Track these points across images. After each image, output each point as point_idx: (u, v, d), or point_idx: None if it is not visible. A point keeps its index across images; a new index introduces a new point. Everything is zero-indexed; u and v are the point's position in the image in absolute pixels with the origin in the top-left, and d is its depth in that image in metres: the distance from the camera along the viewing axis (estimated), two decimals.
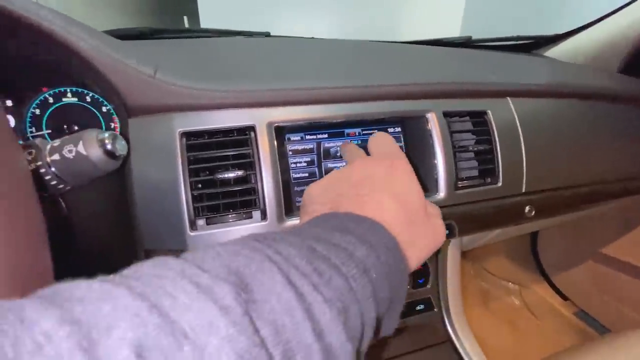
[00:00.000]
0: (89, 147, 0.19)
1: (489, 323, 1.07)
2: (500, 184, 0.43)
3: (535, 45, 0.94)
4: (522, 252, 1.18)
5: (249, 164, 0.35)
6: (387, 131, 0.44)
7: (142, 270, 0.13)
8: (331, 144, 0.41)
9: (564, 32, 0.89)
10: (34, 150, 0.19)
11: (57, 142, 0.20)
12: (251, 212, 0.35)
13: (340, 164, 0.41)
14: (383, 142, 0.30)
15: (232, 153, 0.34)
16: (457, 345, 0.43)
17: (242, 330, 0.11)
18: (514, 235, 0.63)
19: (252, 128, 0.35)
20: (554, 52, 0.91)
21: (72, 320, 0.10)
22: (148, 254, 0.33)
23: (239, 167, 0.35)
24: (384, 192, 0.24)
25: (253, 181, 0.35)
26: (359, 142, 0.42)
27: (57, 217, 0.29)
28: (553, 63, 0.78)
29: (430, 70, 0.52)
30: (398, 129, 0.44)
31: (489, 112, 0.44)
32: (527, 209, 0.45)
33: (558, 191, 0.48)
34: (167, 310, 0.11)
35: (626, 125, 0.58)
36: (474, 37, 0.90)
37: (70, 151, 0.19)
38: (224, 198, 0.34)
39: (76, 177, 0.21)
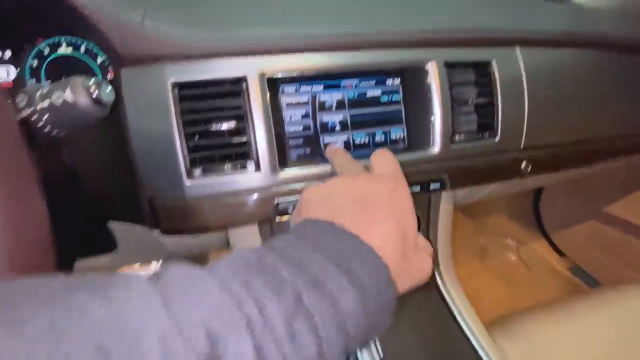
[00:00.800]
0: (75, 94, 0.20)
1: (484, 276, 1.12)
2: (498, 138, 0.43)
3: None
4: (523, 209, 1.20)
5: (243, 116, 0.35)
6: (385, 83, 0.43)
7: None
8: (327, 96, 0.41)
9: None
10: (27, 97, 0.20)
11: (46, 89, 0.21)
12: (246, 162, 0.36)
13: (336, 117, 0.41)
14: (387, 160, 0.29)
15: (225, 104, 0.35)
16: (443, 291, 0.46)
17: None
18: (512, 192, 0.64)
19: (244, 79, 0.34)
20: None
21: None
22: (150, 200, 0.35)
23: (232, 118, 0.35)
24: (388, 218, 0.23)
25: (247, 133, 0.35)
26: (356, 94, 0.41)
27: (61, 166, 0.31)
28: (576, 7, 0.71)
29: (437, 13, 0.48)
30: (397, 81, 0.43)
31: (494, 62, 0.42)
32: (523, 164, 0.45)
33: (559, 147, 0.47)
34: None
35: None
36: None
37: (58, 97, 0.20)
38: (218, 149, 0.35)
39: (65, 123, 0.21)
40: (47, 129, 0.20)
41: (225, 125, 0.35)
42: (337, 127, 0.41)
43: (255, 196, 0.36)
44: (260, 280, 0.16)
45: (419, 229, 0.47)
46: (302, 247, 0.19)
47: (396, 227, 0.23)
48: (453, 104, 0.40)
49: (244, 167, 0.36)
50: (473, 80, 0.42)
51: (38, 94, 0.20)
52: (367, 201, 0.24)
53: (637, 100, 0.53)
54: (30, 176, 0.15)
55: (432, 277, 0.48)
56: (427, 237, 0.48)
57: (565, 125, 0.48)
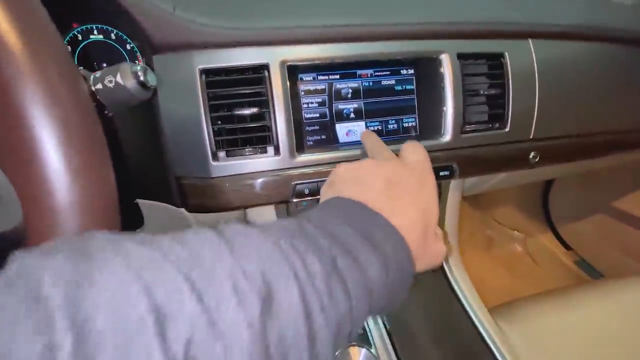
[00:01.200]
0: (125, 78, 0.23)
1: (490, 266, 1.14)
2: (507, 129, 0.44)
3: None
4: (531, 202, 1.20)
5: (264, 102, 0.37)
6: (400, 73, 0.44)
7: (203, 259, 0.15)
8: (343, 85, 0.42)
9: None
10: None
11: (98, 74, 0.23)
12: (266, 147, 0.38)
13: (351, 105, 0.43)
14: (418, 151, 0.31)
15: (248, 91, 0.37)
16: (447, 273, 0.49)
17: (255, 339, 0.14)
18: (519, 183, 0.65)
19: (266, 67, 0.37)
20: None
21: None
22: (178, 179, 0.38)
23: (254, 104, 0.37)
24: (413, 204, 0.25)
25: (267, 119, 0.38)
26: (371, 83, 0.43)
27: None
28: (592, 1, 0.71)
29: (451, 5, 0.49)
30: (411, 71, 0.44)
31: (506, 54, 0.43)
32: (532, 155, 0.46)
33: (567, 139, 0.48)
34: (212, 311, 0.13)
35: None
36: None
37: (110, 81, 0.22)
38: (241, 133, 0.37)
39: (115, 104, 0.24)
40: (99, 109, 0.23)
41: (247, 111, 0.37)
42: (352, 115, 0.43)
43: (274, 178, 0.39)
44: (303, 243, 0.19)
45: None
46: (334, 220, 0.22)
47: (420, 213, 0.25)
48: (465, 95, 0.42)
49: (264, 151, 0.38)
50: (485, 72, 0.43)
51: (92, 77, 0.23)
52: (396, 185, 0.26)
53: None
54: (105, 147, 0.17)
55: None
56: None
57: (575, 118, 0.49)
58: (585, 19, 0.53)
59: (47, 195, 0.14)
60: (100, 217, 0.16)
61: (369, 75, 0.43)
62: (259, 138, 0.38)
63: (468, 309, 0.47)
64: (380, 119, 0.44)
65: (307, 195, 0.40)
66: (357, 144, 0.42)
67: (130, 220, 0.47)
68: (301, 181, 0.39)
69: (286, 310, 0.15)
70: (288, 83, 0.38)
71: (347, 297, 0.18)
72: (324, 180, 0.40)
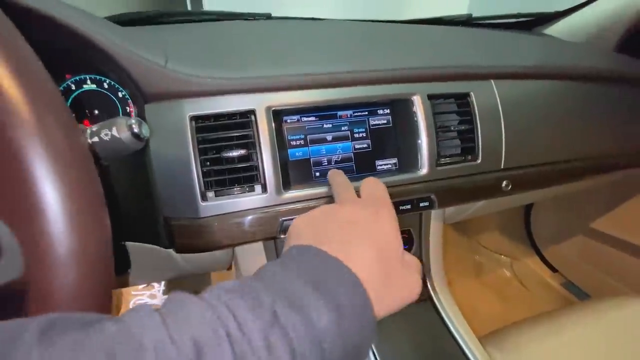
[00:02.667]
0: (120, 131, 0.24)
1: (480, 292, 1.14)
2: (479, 160, 0.48)
3: (536, 22, 0.94)
4: (515, 226, 1.24)
5: (251, 144, 0.40)
6: (377, 113, 0.48)
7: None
8: (325, 126, 0.45)
9: (564, 9, 0.89)
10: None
11: (95, 127, 0.25)
12: (253, 186, 0.40)
13: (334, 144, 0.45)
14: (374, 188, 0.33)
15: (236, 134, 0.39)
16: (436, 302, 0.50)
17: None
18: (498, 209, 0.68)
19: (252, 112, 0.39)
20: (554, 29, 0.91)
21: None
22: (167, 221, 0.39)
23: (242, 146, 0.39)
24: (370, 244, 0.25)
25: (255, 159, 0.40)
26: (348, 124, 0.46)
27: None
28: (548, 42, 0.79)
29: (423, 52, 0.55)
30: (387, 110, 0.48)
31: (472, 94, 0.47)
32: (504, 183, 0.49)
33: (535, 167, 0.52)
34: None
35: (611, 106, 0.60)
36: (481, 12, 0.91)
37: (106, 134, 0.24)
38: (229, 174, 0.39)
39: (111, 155, 0.26)
40: (95, 160, 0.25)
41: (235, 153, 0.39)
42: (335, 153, 0.46)
43: (261, 215, 0.40)
44: (241, 301, 0.19)
45: (411, 245, 0.51)
46: (286, 274, 0.22)
47: (375, 249, 0.25)
48: (437, 131, 0.45)
49: (252, 189, 0.40)
50: (455, 110, 0.47)
51: (89, 131, 0.25)
52: (350, 226, 0.26)
53: (604, 124, 0.59)
54: (102, 198, 0.19)
55: (426, 289, 0.51)
56: (420, 252, 0.51)
57: (541, 148, 0.53)
58: (541, 60, 0.59)
59: (48, 246, 0.15)
60: (97, 265, 0.17)
61: (348, 116, 0.47)
62: (246, 177, 0.40)
63: (459, 340, 0.48)
64: (362, 156, 0.46)
65: None
66: None
67: (117, 264, 0.46)
68: (288, 217, 0.40)
69: None
70: (274, 125, 0.40)
71: (290, 351, 0.18)
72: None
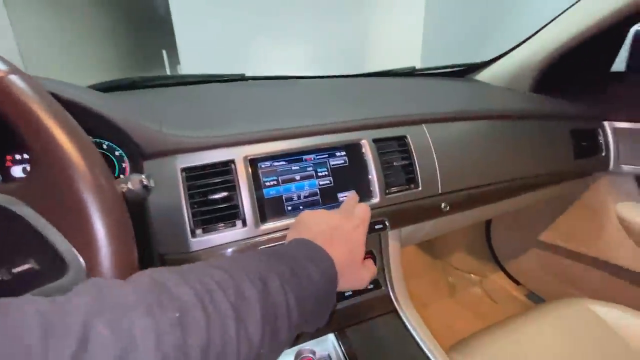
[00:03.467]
0: (134, 184, 0.33)
1: (455, 311, 1.21)
2: (420, 188, 0.59)
3: (467, 70, 1.14)
4: (480, 246, 1.35)
5: (232, 187, 0.49)
6: (335, 155, 0.59)
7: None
8: (293, 168, 0.56)
9: (488, 59, 1.09)
10: None
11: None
12: (235, 221, 0.48)
13: (301, 182, 0.55)
14: (364, 211, 0.44)
15: (219, 180, 0.48)
16: (401, 314, 0.57)
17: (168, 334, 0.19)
18: (452, 229, 0.79)
19: (232, 161, 0.49)
20: (483, 76, 1.10)
21: None
22: (161, 257, 0.46)
23: (224, 190, 0.48)
24: (345, 244, 0.38)
25: (235, 199, 0.48)
26: (312, 165, 0.57)
27: None
28: (474, 87, 0.97)
29: (370, 104, 0.68)
30: (343, 153, 0.59)
31: (408, 136, 0.60)
32: (443, 205, 0.61)
33: (468, 190, 0.64)
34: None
35: (524, 136, 0.75)
36: (432, 60, 1.10)
37: (123, 188, 0.32)
38: (215, 213, 0.48)
39: (127, 203, 0.34)
40: None
41: (219, 195, 0.48)
42: (303, 189, 0.55)
43: (243, 246, 0.48)
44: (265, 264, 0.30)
45: (375, 263, 0.60)
46: (290, 250, 0.34)
47: (347, 249, 0.38)
48: (383, 167, 0.56)
49: (234, 225, 0.48)
50: (396, 149, 0.59)
51: None
52: (336, 231, 0.39)
53: (521, 152, 0.73)
54: (131, 227, 0.27)
55: (391, 304, 0.59)
56: (382, 269, 0.60)
57: (470, 174, 0.65)
58: (466, 104, 0.74)
59: (100, 263, 0.23)
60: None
61: (312, 159, 0.57)
62: (229, 215, 0.48)
63: (423, 347, 0.55)
64: (325, 190, 0.56)
65: None
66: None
67: None
68: (265, 246, 0.49)
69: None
70: (250, 171, 0.50)
71: (298, 296, 0.29)
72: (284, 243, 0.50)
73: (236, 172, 0.49)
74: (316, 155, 0.57)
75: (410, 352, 0.54)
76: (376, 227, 0.55)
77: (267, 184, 0.53)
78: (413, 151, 0.59)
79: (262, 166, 0.53)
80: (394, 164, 0.58)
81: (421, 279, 1.36)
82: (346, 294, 0.57)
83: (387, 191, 0.57)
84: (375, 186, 0.56)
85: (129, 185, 0.32)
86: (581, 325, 0.69)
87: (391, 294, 0.60)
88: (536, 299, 1.18)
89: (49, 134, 0.23)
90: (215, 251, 0.47)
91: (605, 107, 0.87)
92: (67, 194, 0.23)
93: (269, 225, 0.50)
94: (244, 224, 0.48)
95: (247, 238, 0.48)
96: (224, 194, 0.48)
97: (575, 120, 0.83)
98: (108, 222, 0.23)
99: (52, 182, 0.23)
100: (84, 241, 0.23)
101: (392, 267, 0.60)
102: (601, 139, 0.84)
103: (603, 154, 0.84)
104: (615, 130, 0.84)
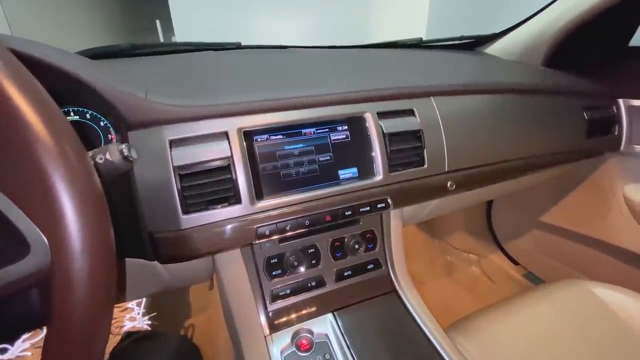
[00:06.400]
0: (113, 155, 0.29)
1: (453, 290, 1.22)
2: (426, 166, 0.55)
3: (477, 43, 1.07)
4: (479, 226, 1.34)
5: (225, 161, 0.45)
6: (337, 129, 0.55)
7: None
8: (291, 142, 0.52)
9: (500, 31, 1.03)
10: None
11: (91, 153, 0.30)
12: (229, 197, 0.45)
13: (300, 158, 0.52)
14: None
15: (212, 154, 0.45)
16: (400, 294, 0.56)
17: None
18: (455, 209, 0.76)
19: (226, 133, 0.45)
20: (493, 49, 1.04)
21: None
22: (151, 234, 0.43)
23: (218, 163, 0.45)
24: None
25: (229, 174, 0.45)
26: (312, 140, 0.53)
27: None
28: (484, 60, 0.91)
29: (374, 75, 0.63)
30: (345, 127, 0.55)
31: (415, 110, 0.56)
32: (449, 183, 0.58)
33: (475, 169, 0.61)
34: None
35: (535, 112, 0.71)
36: (439, 32, 1.04)
37: (100, 159, 0.29)
38: (207, 188, 0.44)
39: (104, 176, 0.30)
40: None
41: (212, 170, 0.44)
42: (302, 166, 0.52)
43: (238, 224, 0.45)
44: None
45: (375, 244, 0.57)
46: None
47: None
48: (389, 142, 0.53)
49: (228, 201, 0.45)
50: (403, 124, 0.55)
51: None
52: None
53: (532, 129, 0.69)
54: (105, 202, 0.24)
55: (391, 283, 0.57)
56: (383, 249, 0.58)
57: (478, 152, 0.62)
58: (475, 77, 0.69)
59: (68, 242, 0.20)
60: (105, 259, 0.22)
61: (312, 133, 0.53)
62: (222, 191, 0.45)
63: (423, 327, 0.53)
64: (325, 167, 0.53)
65: (269, 236, 0.47)
66: (306, 188, 0.51)
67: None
68: (262, 224, 0.46)
69: None
70: (245, 144, 0.46)
71: None
72: (283, 221, 0.47)
73: (230, 145, 0.45)
74: (316, 129, 0.53)
75: (409, 332, 0.53)
76: (378, 206, 0.52)
77: (264, 159, 0.50)
78: (420, 126, 0.55)
79: (258, 140, 0.50)
80: (400, 139, 0.54)
81: (420, 257, 1.36)
82: (345, 274, 0.55)
83: (391, 169, 0.53)
84: (379, 163, 0.53)
85: (107, 156, 0.29)
86: (581, 307, 0.68)
87: (391, 273, 0.58)
88: (534, 280, 1.18)
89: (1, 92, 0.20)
90: (208, 229, 0.44)
91: (621, 83, 0.82)
92: (25, 162, 0.20)
93: (266, 202, 0.47)
94: (239, 200, 0.45)
95: (243, 216, 0.45)
96: (217, 167, 0.45)
97: (589, 97, 0.79)
98: (75, 194, 0.20)
99: (7, 148, 0.20)
100: (47, 217, 0.20)
101: (393, 247, 0.58)
102: (615, 117, 0.80)
103: (616, 133, 0.80)
104: (629, 109, 0.80)
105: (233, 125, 0.46)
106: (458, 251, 1.37)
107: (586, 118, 0.75)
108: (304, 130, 0.53)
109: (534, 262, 1.20)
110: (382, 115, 0.54)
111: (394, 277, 0.57)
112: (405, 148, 0.55)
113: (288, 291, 0.51)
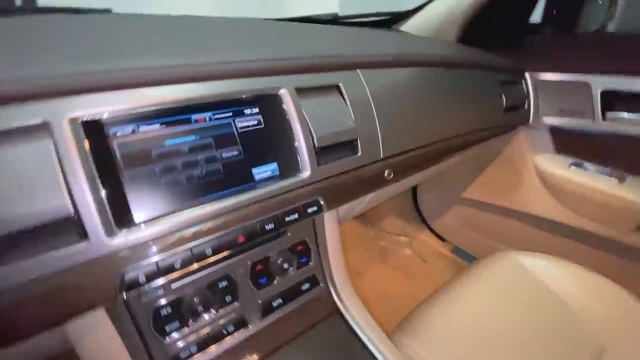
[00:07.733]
0: None
1: (389, 276, 1.20)
2: (359, 153, 0.45)
3: (392, 20, 1.03)
4: (407, 207, 1.35)
5: (49, 174, 0.27)
6: (244, 113, 0.40)
7: None
8: (176, 134, 0.35)
9: (412, 8, 1.00)
10: None
11: None
12: (64, 231, 0.27)
13: (191, 157, 0.36)
14: None
15: (20, 162, 0.26)
16: (344, 313, 0.45)
17: None
18: (387, 198, 0.69)
19: (45, 126, 0.27)
20: (408, 26, 1.00)
21: None
22: None
23: (35, 178, 0.26)
24: None
25: (61, 194, 0.27)
26: (208, 129, 0.37)
27: None
28: (403, 37, 0.86)
29: (289, 46, 0.50)
30: (255, 109, 0.41)
31: (341, 85, 0.44)
32: (386, 172, 0.49)
33: (411, 152, 0.53)
34: None
35: (462, 87, 0.68)
36: (351, 10, 0.95)
37: None
38: (20, 222, 0.26)
39: None
40: None
41: (26, 189, 0.26)
42: (195, 167, 0.36)
43: (86, 273, 0.28)
44: None
45: (309, 257, 0.45)
46: None
47: None
48: (313, 127, 0.41)
49: (63, 240, 0.27)
50: (327, 102, 0.44)
51: None
52: None
53: (461, 105, 0.65)
54: None
55: (333, 303, 0.47)
56: (319, 263, 0.46)
57: (413, 133, 0.54)
58: (399, 50, 0.62)
59: None
60: None
61: (207, 119, 0.38)
62: (52, 221, 0.27)
63: (369, 344, 0.44)
64: (230, 165, 0.38)
65: (148, 281, 0.31)
66: (205, 199, 0.35)
67: None
68: (132, 265, 0.29)
69: None
70: (87, 144, 0.28)
71: None
72: (168, 256, 0.31)
73: (56, 146, 0.27)
74: (213, 114, 0.38)
75: (357, 356, 0.43)
76: (309, 210, 0.40)
77: (131, 161, 0.33)
78: (349, 105, 0.44)
79: (118, 134, 0.32)
80: (328, 122, 0.43)
81: (355, 248, 1.32)
82: (274, 304, 0.42)
83: (320, 161, 0.41)
84: (305, 155, 0.40)
85: None
86: (512, 280, 0.69)
87: (331, 289, 0.47)
88: (461, 254, 1.24)
89: None
90: (34, 288, 0.26)
91: (525, 58, 0.86)
92: None
93: (136, 231, 0.30)
94: (83, 235, 0.28)
95: (93, 259, 0.28)
96: (34, 185, 0.26)
97: (502, 72, 0.79)
98: None
99: None
100: None
101: (331, 257, 0.47)
102: (525, 91, 0.83)
103: (526, 107, 0.83)
104: (535, 82, 0.84)
105: (60, 111, 0.27)
106: (390, 235, 1.36)
107: (503, 93, 0.75)
108: (194, 116, 0.37)
109: (459, 237, 1.25)
110: (302, 92, 0.41)
111: (334, 293, 0.46)
112: (333, 133, 0.44)
113: (194, 348, 0.36)
